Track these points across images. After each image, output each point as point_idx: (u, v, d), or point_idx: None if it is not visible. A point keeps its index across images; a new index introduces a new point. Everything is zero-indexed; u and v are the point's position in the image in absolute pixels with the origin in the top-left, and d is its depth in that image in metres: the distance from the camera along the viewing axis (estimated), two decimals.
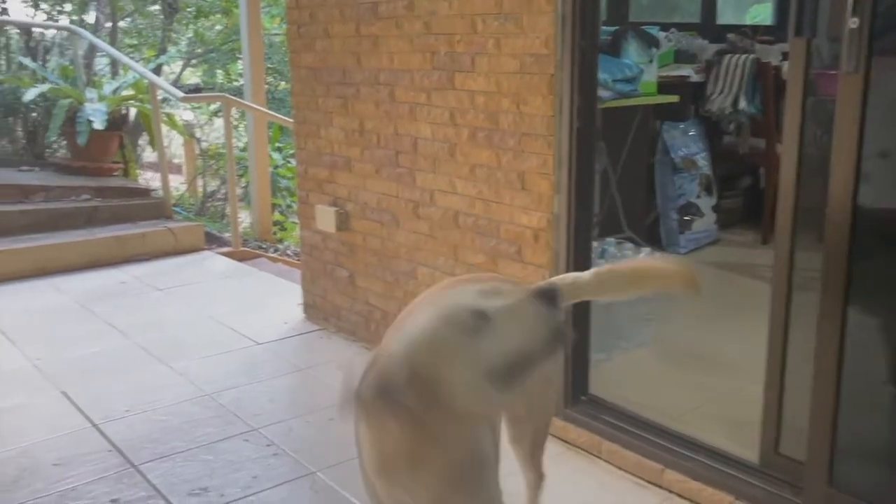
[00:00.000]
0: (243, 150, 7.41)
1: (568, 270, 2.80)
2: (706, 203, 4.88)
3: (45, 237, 5.27)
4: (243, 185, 7.50)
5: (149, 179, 8.14)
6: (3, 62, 7.86)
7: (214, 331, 4.11)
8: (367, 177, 3.57)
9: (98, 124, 5.97)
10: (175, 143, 10.08)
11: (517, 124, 2.84)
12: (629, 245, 3.60)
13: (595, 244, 3.45)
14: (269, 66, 9.12)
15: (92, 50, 7.98)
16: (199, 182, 8.99)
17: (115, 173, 6.50)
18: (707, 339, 3.60)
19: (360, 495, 2.56)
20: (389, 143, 3.41)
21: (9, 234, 5.26)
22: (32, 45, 7.69)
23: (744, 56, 4.92)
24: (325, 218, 3.82)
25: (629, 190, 4.66)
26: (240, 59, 8.98)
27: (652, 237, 4.79)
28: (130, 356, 3.77)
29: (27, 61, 7.24)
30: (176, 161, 10.45)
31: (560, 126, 2.71)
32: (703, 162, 4.91)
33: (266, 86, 7.29)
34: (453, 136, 3.09)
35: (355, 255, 3.76)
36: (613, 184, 4.48)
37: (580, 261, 2.82)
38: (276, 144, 8.01)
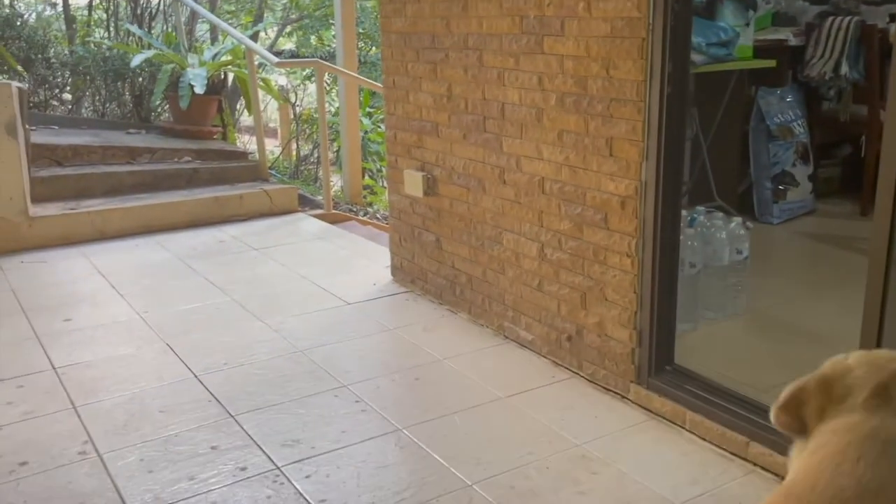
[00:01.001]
0: (335, 114, 7.57)
1: (655, 239, 2.79)
2: (802, 172, 4.71)
3: (150, 197, 5.56)
4: (335, 149, 7.66)
5: (246, 143, 8.42)
6: (111, 29, 8.25)
7: (306, 290, 4.27)
8: (455, 142, 3.61)
9: (199, 88, 6.22)
10: (271, 108, 10.37)
11: (606, 89, 2.81)
12: (719, 214, 3.52)
13: (684, 213, 3.40)
14: (360, 31, 9.23)
15: (193, 17, 8.27)
16: (294, 146, 9.23)
17: (215, 136, 6.75)
18: (799, 312, 3.51)
19: (442, 452, 2.66)
20: (477, 108, 3.43)
21: (118, 193, 5.58)
22: (139, 13, 8.02)
23: (847, 18, 4.67)
24: (413, 182, 3.89)
25: (721, 157, 4.54)
26: (332, 24, 9.13)
27: (744, 206, 4.67)
28: (228, 312, 3.96)
29: (134, 28, 7.58)
30: (272, 125, 10.76)
31: (650, 91, 2.67)
32: (799, 129, 4.72)
33: (357, 51, 7.39)
34: (541, 102, 3.08)
35: (442, 219, 3.82)
36: (704, 151, 4.37)
37: (667, 229, 2.79)
38: (367, 109, 8.13)
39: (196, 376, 3.25)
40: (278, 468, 2.60)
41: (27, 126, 5.17)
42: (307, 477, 2.55)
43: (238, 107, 8.81)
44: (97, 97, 7.55)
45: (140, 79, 7.22)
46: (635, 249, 2.83)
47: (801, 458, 1.16)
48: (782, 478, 2.43)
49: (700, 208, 3.58)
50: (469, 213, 3.62)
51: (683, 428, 2.78)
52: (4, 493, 2.48)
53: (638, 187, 2.77)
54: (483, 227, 3.54)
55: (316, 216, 5.79)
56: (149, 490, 2.49)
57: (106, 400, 3.06)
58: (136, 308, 4.02)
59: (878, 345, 2.28)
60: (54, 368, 3.34)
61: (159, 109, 7.44)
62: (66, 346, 3.56)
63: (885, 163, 2.17)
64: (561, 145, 3.04)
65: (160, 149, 6.17)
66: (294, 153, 9.17)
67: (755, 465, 2.56)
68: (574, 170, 3.00)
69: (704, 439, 2.71)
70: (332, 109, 7.79)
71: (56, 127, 6.54)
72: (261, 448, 2.72)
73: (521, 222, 3.31)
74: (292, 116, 9.47)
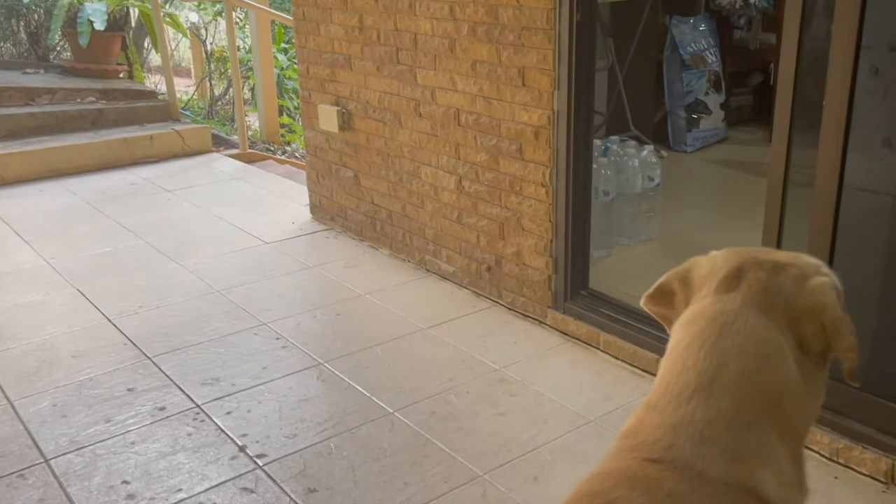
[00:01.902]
0: (249, 51, 7.31)
1: (568, 168, 2.82)
2: (715, 100, 4.82)
3: (53, 139, 5.30)
4: (250, 87, 7.43)
5: (157, 83, 8.07)
6: None
7: (223, 231, 4.18)
8: (369, 75, 3.55)
9: (99, 24, 5.90)
10: (183, 47, 9.93)
11: (517, 18, 2.79)
12: (632, 143, 3.59)
13: (598, 142, 3.46)
14: None
15: None
16: (207, 85, 8.89)
17: (120, 75, 6.45)
18: (709, 236, 3.64)
19: (364, 383, 2.69)
20: (389, 39, 3.37)
21: (18, 136, 5.30)
22: None
23: None
24: (328, 118, 3.81)
25: (637, 87, 4.61)
26: None
27: (660, 136, 4.77)
28: (142, 255, 3.86)
29: None
30: (184, 65, 10.32)
31: (560, 19, 2.67)
32: (712, 58, 4.82)
33: None
34: (453, 32, 3.05)
35: (359, 155, 3.77)
36: (620, 81, 4.42)
37: (580, 158, 2.83)
38: (282, 45, 7.88)
39: (110, 320, 3.17)
40: (198, 406, 2.58)
41: None
42: (228, 413, 2.54)
43: (146, 45, 8.42)
44: None
45: (35, 15, 6.81)
46: (550, 179, 2.86)
47: (662, 362, 1.14)
48: None
49: (614, 137, 3.64)
50: (386, 148, 3.58)
51: (598, 349, 2.88)
52: None
53: (551, 117, 2.79)
54: (401, 162, 3.52)
55: (231, 156, 5.65)
56: (64, 434, 2.44)
57: (14, 347, 2.96)
58: (42, 254, 3.87)
59: None
60: None
61: (58, 48, 7.04)
62: None
63: (781, 87, 2.24)
64: (475, 76, 3.02)
65: (61, 89, 5.86)
66: (208, 93, 8.85)
67: None
68: (488, 101, 3.00)
69: (617, 358, 2.81)
70: (247, 46, 7.52)
71: None
72: (179, 388, 2.69)
73: (439, 155, 3.30)
74: (204, 54, 9.10)
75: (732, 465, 0.99)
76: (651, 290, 1.22)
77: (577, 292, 2.99)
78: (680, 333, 1.11)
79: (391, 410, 2.54)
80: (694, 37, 4.79)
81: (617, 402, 2.59)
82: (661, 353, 2.63)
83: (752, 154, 4.81)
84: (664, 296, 1.20)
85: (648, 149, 3.57)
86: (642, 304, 1.23)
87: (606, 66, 4.42)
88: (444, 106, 3.19)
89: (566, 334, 2.98)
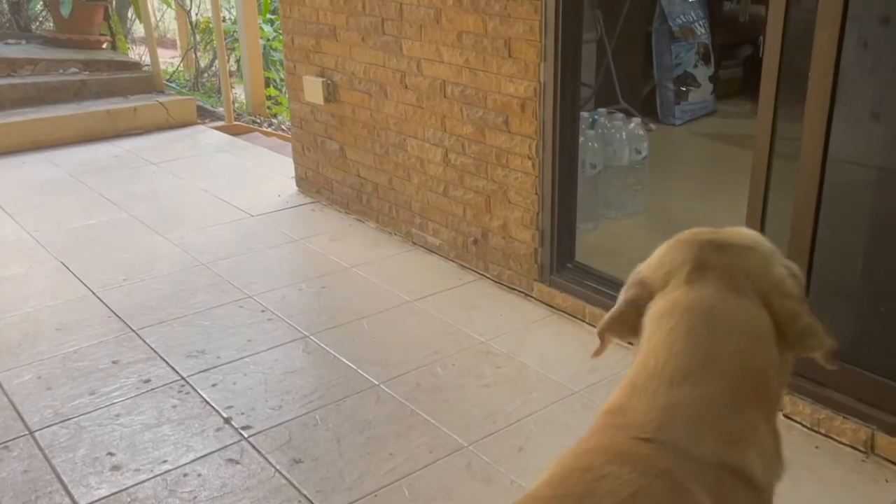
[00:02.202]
0: (234, 22, 7.21)
1: (555, 141, 2.81)
2: (703, 73, 4.80)
3: (35, 111, 5.23)
4: (236, 58, 7.34)
5: (141, 54, 7.96)
6: None
7: (208, 203, 4.15)
8: (354, 46, 3.51)
9: None
10: (168, 18, 9.78)
11: None
12: (620, 116, 3.57)
13: (585, 115, 3.45)
14: None
15: None
16: (193, 57, 8.78)
17: (103, 46, 6.36)
18: (695, 209, 3.64)
19: (350, 355, 2.69)
20: (375, 9, 3.32)
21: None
22: None
23: None
24: (314, 89, 3.78)
25: (625, 60, 4.58)
26: None
27: (648, 108, 4.75)
28: (126, 228, 3.83)
29: None
30: (170, 36, 10.17)
31: None
32: (701, 30, 4.79)
33: None
34: (438, 2, 3.01)
35: (345, 127, 3.74)
36: (609, 53, 4.40)
37: (566, 131, 2.81)
38: (268, 16, 7.77)
39: (94, 293, 3.15)
40: (183, 378, 2.58)
41: None
42: (213, 385, 2.54)
43: (129, 15, 8.29)
44: None
45: None
46: (536, 151, 2.85)
47: (640, 350, 1.13)
48: None
49: (601, 110, 3.62)
50: (372, 120, 3.56)
51: (584, 321, 2.88)
52: None
53: (537, 88, 2.77)
54: (387, 134, 3.49)
55: (217, 128, 5.59)
56: (48, 406, 2.44)
57: None
58: (25, 227, 3.83)
59: (761, 233, 2.39)
60: None
61: (40, 18, 6.92)
62: None
63: (768, 59, 2.23)
64: (461, 47, 2.99)
65: (43, 60, 5.78)
66: (193, 64, 8.74)
67: None
68: (474, 72, 2.97)
69: None
70: (232, 17, 7.41)
71: None
72: (164, 360, 2.68)
73: (425, 128, 3.28)
74: (190, 25, 8.98)
75: (723, 447, 1.02)
76: (607, 320, 1.20)
77: (564, 265, 2.99)
78: (657, 323, 1.12)
79: (377, 382, 2.55)
80: (683, 8, 4.76)
81: (602, 374, 2.60)
82: None
83: (740, 127, 4.80)
84: (624, 324, 1.19)
85: (636, 121, 3.55)
86: (599, 333, 1.21)
87: (595, 37, 4.39)
88: (430, 77, 3.16)
89: (552, 307, 2.98)
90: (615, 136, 3.47)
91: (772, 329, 1.09)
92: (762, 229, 2.38)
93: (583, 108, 3.41)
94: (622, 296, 1.20)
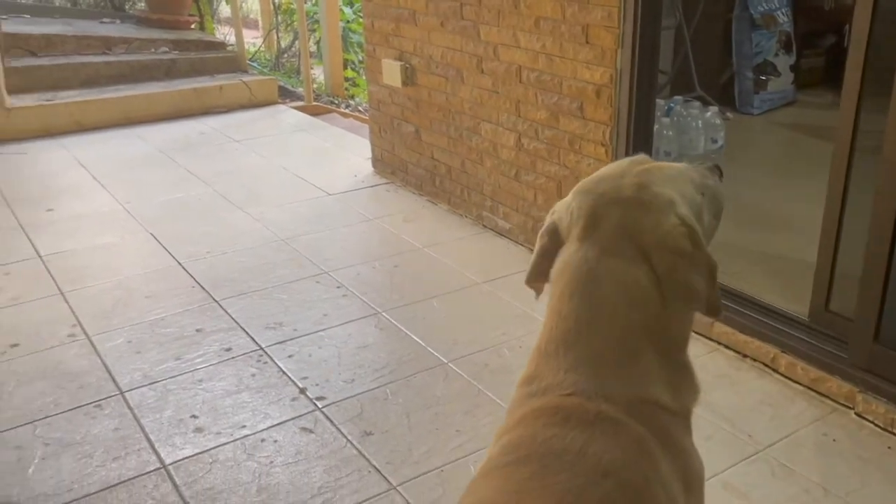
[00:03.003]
0: (316, 4, 7.36)
1: (629, 128, 2.82)
2: (784, 62, 4.69)
3: (128, 88, 5.49)
4: (316, 40, 7.50)
5: (226, 34, 8.21)
6: None
7: (288, 181, 4.30)
8: (433, 30, 3.57)
9: None
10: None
11: None
12: (696, 104, 3.54)
13: (661, 102, 3.43)
14: None
15: None
16: (274, 37, 9.00)
17: (192, 26, 6.60)
18: (770, 199, 3.59)
19: (420, 333, 2.78)
20: None
21: (95, 84, 5.50)
22: None
23: None
24: (392, 72, 3.86)
25: (704, 47, 4.51)
26: None
27: (726, 97, 4.67)
28: (210, 202, 4.00)
29: None
30: (252, 17, 10.43)
31: None
32: (783, 18, 4.67)
33: None
34: None
35: (420, 110, 3.82)
36: (687, 40, 4.34)
37: (641, 118, 2.82)
38: None
39: (180, 264, 3.32)
40: (262, 349, 2.71)
41: None
42: (290, 356, 2.66)
43: None
44: None
45: None
46: (609, 138, 2.87)
47: (547, 308, 1.19)
48: (744, 355, 2.57)
49: (678, 98, 3.59)
50: (447, 104, 3.62)
51: None
52: (0, 371, 2.59)
53: (613, 75, 2.78)
54: (461, 118, 3.55)
55: (296, 108, 5.76)
56: (137, 369, 2.60)
57: (92, 286, 3.14)
58: (118, 199, 4.05)
59: (839, 233, 2.35)
60: (40, 256, 3.40)
61: None
62: (51, 235, 3.61)
63: (853, 48, 2.19)
64: (538, 33, 3.02)
65: (136, 39, 6.03)
66: (275, 45, 8.96)
67: (719, 343, 2.69)
68: (551, 58, 3.00)
69: None
70: None
71: (27, 16, 6.36)
72: (245, 330, 2.82)
73: (499, 112, 3.33)
74: (273, 6, 9.19)
75: (631, 389, 1.10)
76: (528, 274, 1.25)
77: None
78: (554, 283, 1.18)
79: (445, 361, 2.63)
80: None
81: None
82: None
83: (820, 118, 4.67)
84: (542, 273, 1.22)
85: (713, 110, 3.52)
86: (526, 284, 1.26)
87: (673, 24, 4.33)
88: (507, 62, 3.20)
89: None
90: (691, 124, 3.45)
91: (652, 287, 1.12)
92: (840, 222, 2.34)
93: (658, 95, 3.39)
94: (538, 242, 1.24)
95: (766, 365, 2.53)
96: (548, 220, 1.23)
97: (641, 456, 1.05)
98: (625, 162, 1.24)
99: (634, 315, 1.12)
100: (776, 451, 2.19)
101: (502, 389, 2.47)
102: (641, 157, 1.26)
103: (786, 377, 2.47)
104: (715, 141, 3.46)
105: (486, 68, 3.32)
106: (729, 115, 4.46)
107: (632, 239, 1.13)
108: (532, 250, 1.17)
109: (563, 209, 1.21)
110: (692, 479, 1.12)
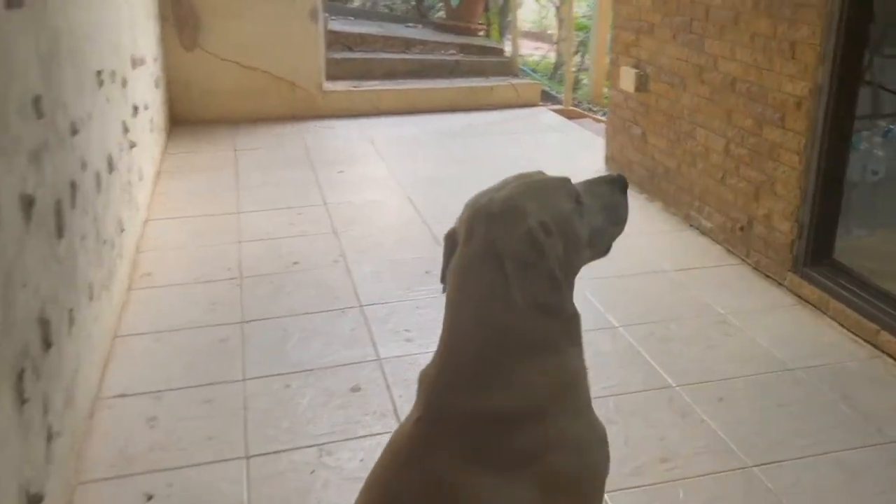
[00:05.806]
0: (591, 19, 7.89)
1: (823, 140, 3.01)
2: None
3: (418, 82, 6.47)
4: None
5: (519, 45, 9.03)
6: None
7: (530, 170, 4.89)
8: (665, 41, 3.95)
9: None
10: (550, 14, 10.86)
11: None
12: None
13: (883, 123, 3.48)
14: None
15: None
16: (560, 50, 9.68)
17: (480, 33, 7.48)
18: None
19: (604, 304, 3.20)
20: (685, 9, 3.73)
21: (393, 77, 6.56)
22: None
23: None
24: (627, 78, 4.29)
25: None
26: None
27: None
28: (462, 181, 4.69)
29: None
30: (550, 32, 11.26)
31: None
32: None
33: None
34: (739, 5, 3.34)
35: (648, 114, 4.20)
36: None
37: (837, 131, 2.98)
38: None
39: (425, 222, 4.07)
40: None
41: (326, 14, 6.25)
42: None
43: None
44: None
45: None
46: (804, 148, 3.07)
47: None
48: None
49: None
50: (670, 109, 3.97)
51: (825, 314, 3.05)
52: (284, 278, 3.48)
53: (813, 89, 2.99)
54: (680, 123, 3.89)
55: (555, 111, 6.34)
56: (374, 293, 3.35)
57: (357, 229, 4.00)
58: (391, 169, 4.95)
59: None
60: (325, 204, 4.35)
61: (436, 7, 8.31)
62: (337, 190, 4.58)
63: None
64: (752, 47, 3.29)
65: (431, 41, 7.03)
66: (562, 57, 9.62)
67: (882, 351, 2.80)
68: (760, 70, 3.26)
69: (843, 325, 2.97)
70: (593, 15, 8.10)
71: (352, 18, 7.66)
72: None
73: (713, 119, 3.63)
74: (560, 22, 9.87)
75: (480, 399, 1.25)
76: (442, 273, 1.38)
77: (819, 260, 3.15)
78: (448, 283, 1.34)
79: (616, 325, 3.04)
80: None
81: (823, 360, 2.79)
82: (882, 325, 2.77)
83: None
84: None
85: None
86: (441, 282, 1.39)
87: None
88: (723, 73, 3.50)
89: (799, 296, 3.18)
90: None
91: (506, 291, 1.23)
92: None
93: (885, 116, 3.45)
94: (444, 245, 1.37)
95: None
96: (457, 220, 1.36)
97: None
98: (512, 176, 1.37)
99: (493, 321, 1.25)
100: None
101: (658, 355, 2.85)
102: (534, 171, 1.40)
103: None
104: None
105: (706, 78, 3.63)
106: None
107: (492, 247, 1.25)
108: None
109: (460, 215, 1.35)
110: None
